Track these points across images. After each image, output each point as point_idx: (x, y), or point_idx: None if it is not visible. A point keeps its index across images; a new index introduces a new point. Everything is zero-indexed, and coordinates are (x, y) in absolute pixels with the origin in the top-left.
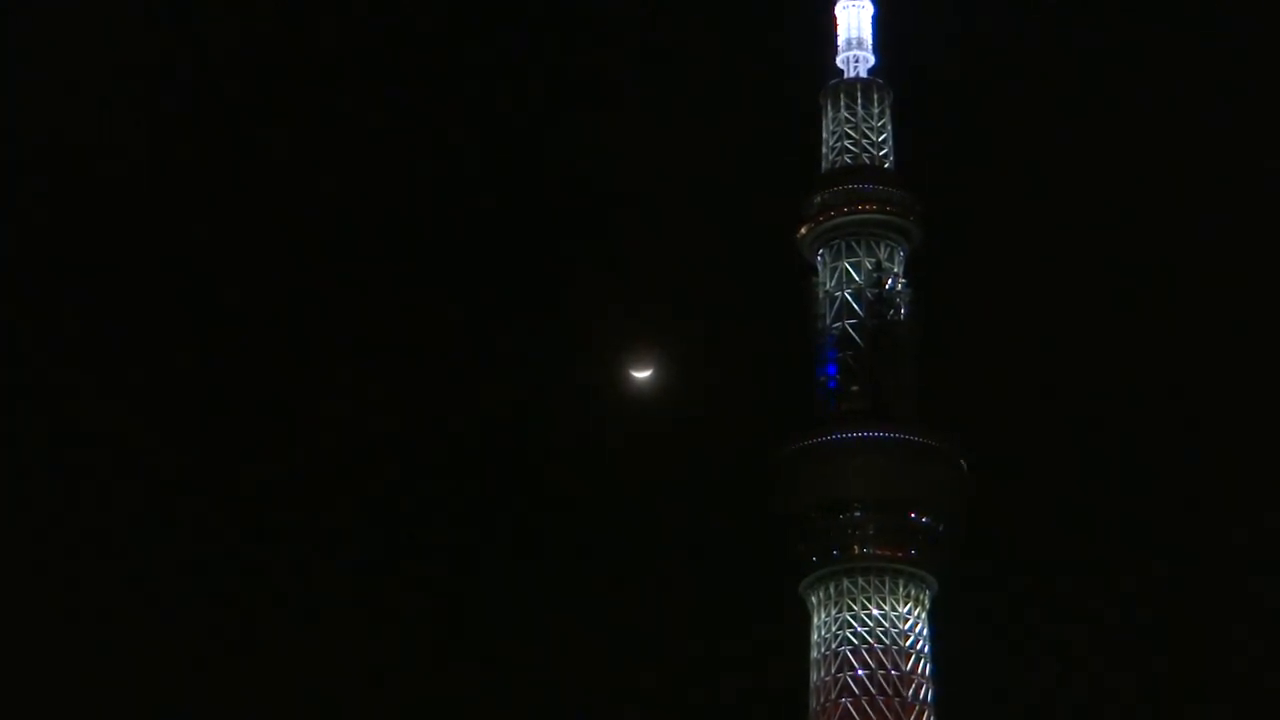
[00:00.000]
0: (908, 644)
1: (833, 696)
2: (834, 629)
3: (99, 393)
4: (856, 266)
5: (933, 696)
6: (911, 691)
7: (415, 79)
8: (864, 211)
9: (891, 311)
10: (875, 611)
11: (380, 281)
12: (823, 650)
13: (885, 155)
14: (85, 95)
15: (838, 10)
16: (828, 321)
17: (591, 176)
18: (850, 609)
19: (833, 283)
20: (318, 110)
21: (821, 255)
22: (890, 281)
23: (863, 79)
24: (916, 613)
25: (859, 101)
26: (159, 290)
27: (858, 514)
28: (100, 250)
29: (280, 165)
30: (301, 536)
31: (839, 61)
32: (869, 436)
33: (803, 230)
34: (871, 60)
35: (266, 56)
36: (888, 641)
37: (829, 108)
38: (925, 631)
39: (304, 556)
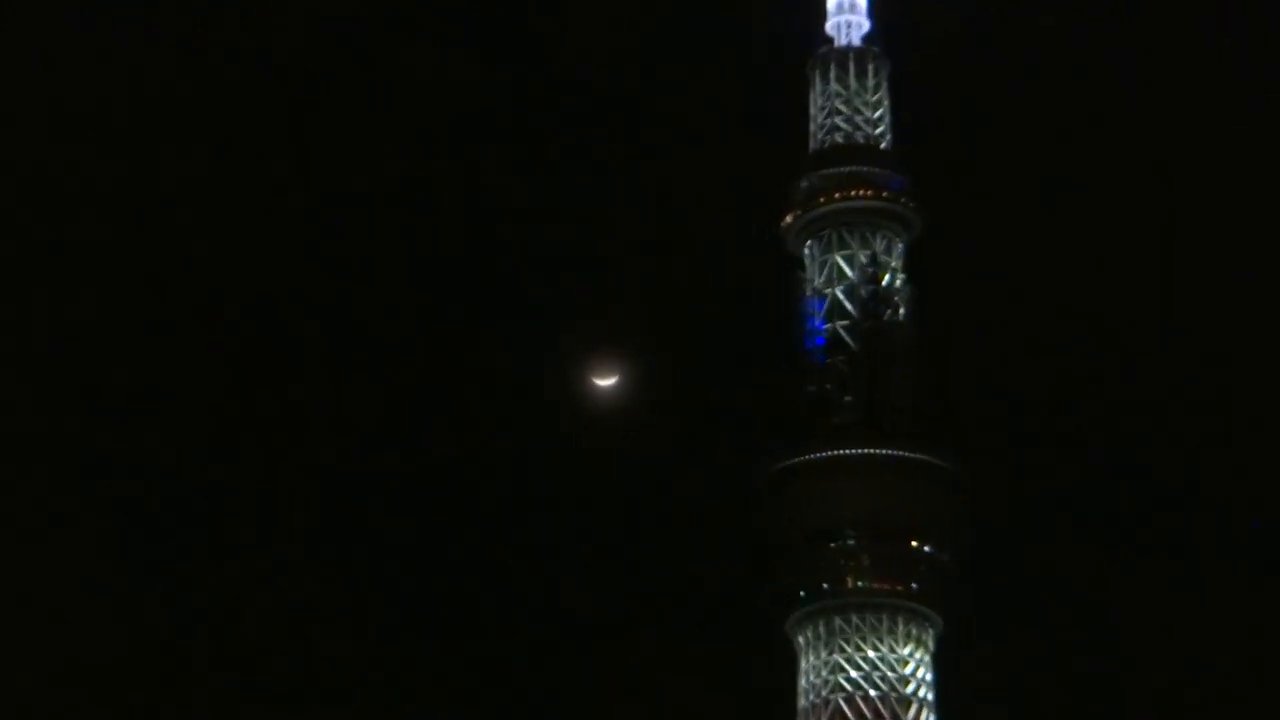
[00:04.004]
0: (908, 690)
1: None
2: (824, 673)
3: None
4: (849, 260)
5: None
6: None
7: (384, 82)
8: (857, 197)
9: (888, 311)
10: (871, 653)
11: (347, 290)
12: (811, 698)
13: (881, 134)
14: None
15: None
16: (817, 323)
17: (558, 169)
18: (843, 650)
19: (822, 279)
20: (283, 115)
21: (809, 248)
22: (887, 277)
23: (855, 47)
24: (918, 655)
25: (851, 73)
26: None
27: (851, 542)
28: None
29: (246, 166)
30: (273, 544)
31: (829, 28)
32: (864, 454)
33: (788, 219)
34: (866, 25)
35: (252, 57)
36: (885, 688)
37: (817, 80)
38: (928, 676)
39: (273, 566)
